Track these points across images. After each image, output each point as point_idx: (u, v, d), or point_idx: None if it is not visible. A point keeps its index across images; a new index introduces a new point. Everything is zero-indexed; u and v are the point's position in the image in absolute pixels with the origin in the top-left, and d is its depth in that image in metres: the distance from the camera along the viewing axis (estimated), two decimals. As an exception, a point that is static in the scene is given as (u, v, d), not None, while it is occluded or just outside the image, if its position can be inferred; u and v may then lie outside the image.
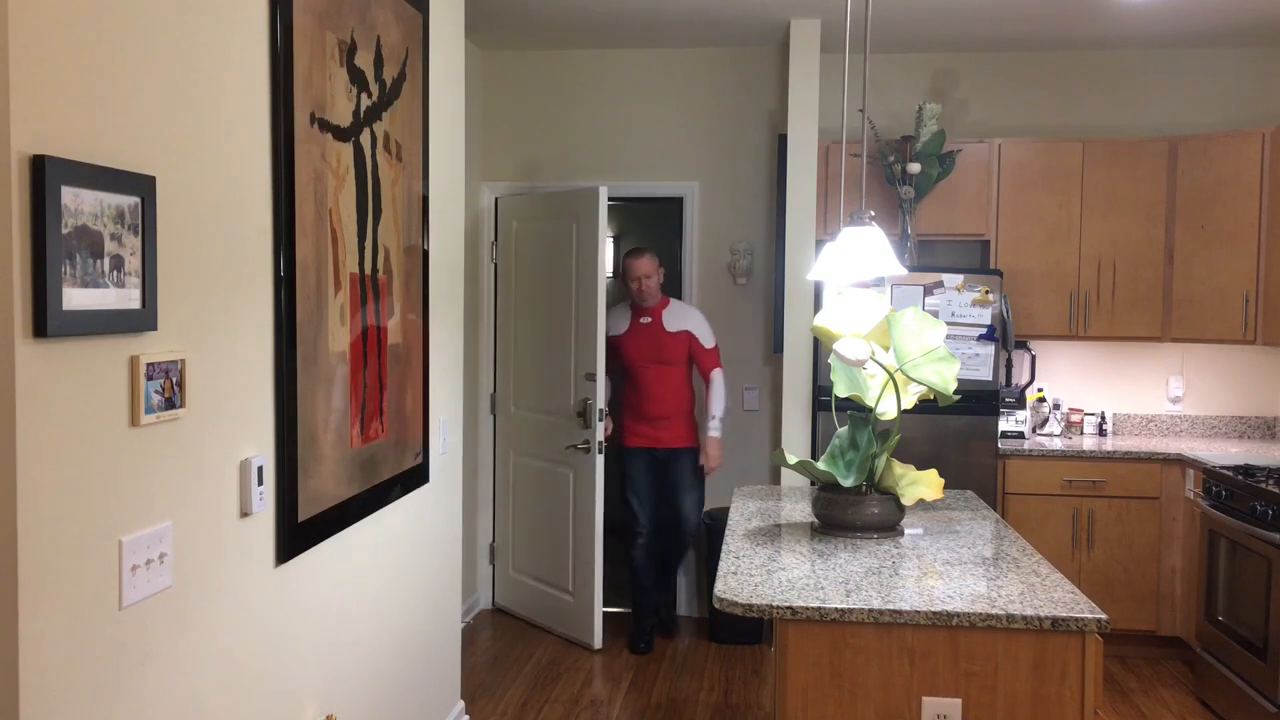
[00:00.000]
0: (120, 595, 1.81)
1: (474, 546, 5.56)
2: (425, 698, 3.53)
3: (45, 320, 1.58)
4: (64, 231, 1.63)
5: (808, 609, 2.32)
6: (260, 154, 2.29)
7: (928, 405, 4.29)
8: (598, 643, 5.01)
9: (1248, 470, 4.18)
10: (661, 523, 5.14)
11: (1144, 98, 5.33)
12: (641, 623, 5.06)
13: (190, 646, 2.05)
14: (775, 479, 5.39)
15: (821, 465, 3.03)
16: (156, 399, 1.89)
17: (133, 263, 1.81)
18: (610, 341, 4.94)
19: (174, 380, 1.94)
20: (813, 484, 3.65)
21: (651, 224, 7.19)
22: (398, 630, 3.24)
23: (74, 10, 1.67)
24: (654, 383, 4.94)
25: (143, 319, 1.84)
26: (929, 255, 5.33)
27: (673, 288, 5.69)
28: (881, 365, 2.99)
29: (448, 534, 3.76)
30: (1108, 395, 5.42)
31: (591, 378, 4.91)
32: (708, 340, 4.96)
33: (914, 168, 4.87)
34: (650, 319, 4.94)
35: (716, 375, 4.96)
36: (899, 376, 2.97)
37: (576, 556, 5.08)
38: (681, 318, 4.95)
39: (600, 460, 4.92)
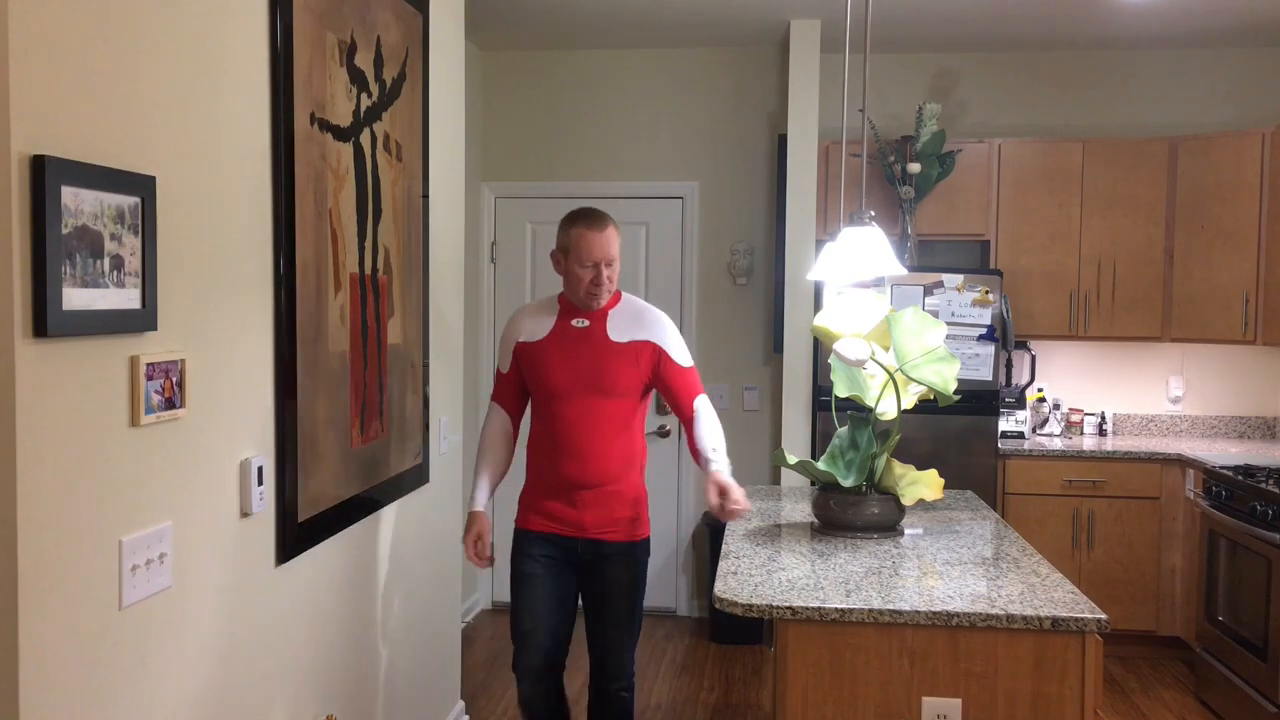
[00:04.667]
0: (120, 595, 1.81)
1: (474, 546, 5.56)
2: (425, 697, 3.53)
3: (45, 320, 1.58)
4: (64, 231, 1.63)
5: (808, 609, 2.32)
6: (260, 154, 2.29)
7: (928, 405, 4.29)
8: (682, 609, 5.58)
9: (1248, 470, 4.18)
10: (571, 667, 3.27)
11: (1144, 98, 5.33)
12: None
13: (190, 646, 2.05)
14: (775, 479, 5.39)
15: (821, 465, 3.03)
16: (156, 399, 1.89)
17: (133, 263, 1.81)
18: (521, 352, 3.06)
19: (174, 380, 1.94)
20: (813, 484, 3.65)
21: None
22: (398, 630, 3.24)
23: (74, 10, 1.67)
24: (582, 423, 2.96)
25: (143, 319, 1.84)
26: (929, 255, 5.33)
27: (673, 288, 5.66)
28: (881, 365, 2.99)
29: (448, 534, 3.76)
30: (1108, 395, 5.42)
31: None
32: (682, 356, 3.06)
33: (914, 168, 4.87)
34: (586, 321, 3.02)
35: (703, 403, 3.05)
36: (899, 376, 2.97)
37: None
38: (637, 322, 3.03)
39: (678, 442, 5.24)
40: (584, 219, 2.96)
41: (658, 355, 3.02)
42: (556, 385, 2.97)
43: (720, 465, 2.94)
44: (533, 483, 3.07)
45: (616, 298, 3.07)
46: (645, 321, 3.05)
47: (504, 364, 3.10)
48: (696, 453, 3.02)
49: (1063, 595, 2.41)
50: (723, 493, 2.80)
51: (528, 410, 3.15)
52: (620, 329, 3.02)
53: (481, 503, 3.07)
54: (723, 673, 4.76)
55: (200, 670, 2.09)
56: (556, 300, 3.09)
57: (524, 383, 3.07)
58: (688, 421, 3.05)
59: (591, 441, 2.95)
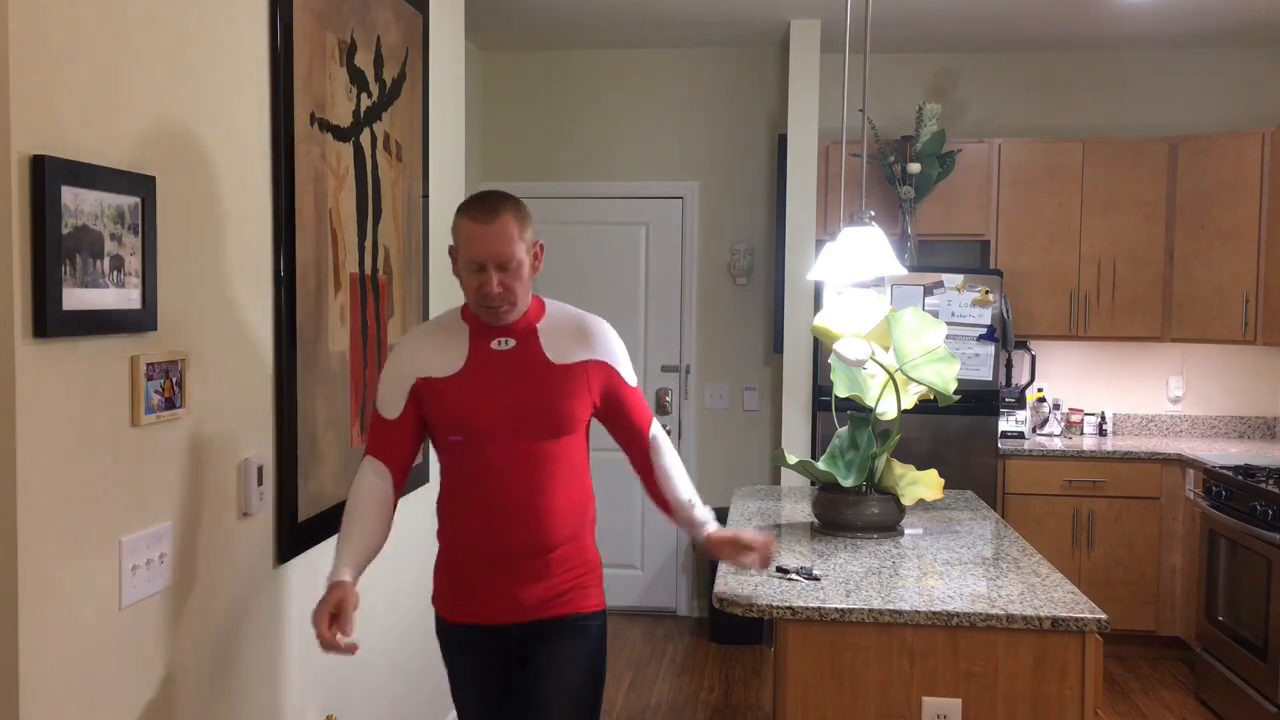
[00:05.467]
0: (120, 595, 1.81)
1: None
2: (425, 697, 3.53)
3: (45, 320, 1.59)
4: (64, 231, 1.63)
5: (808, 609, 2.32)
6: (260, 154, 2.29)
7: (928, 405, 4.31)
8: (682, 609, 5.56)
9: (1248, 470, 4.18)
10: None
11: (1144, 98, 5.33)
12: None
13: (190, 646, 2.05)
14: (775, 479, 5.39)
15: (821, 465, 3.03)
16: (156, 399, 1.89)
17: (133, 263, 1.81)
18: (426, 392, 2.26)
19: (174, 380, 1.94)
20: (813, 484, 3.65)
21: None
22: (398, 629, 3.24)
23: (74, 10, 1.68)
24: (522, 474, 2.23)
25: (143, 319, 1.84)
26: (929, 255, 5.33)
27: (673, 288, 5.66)
28: (881, 365, 2.99)
29: (448, 534, 3.76)
30: (1108, 395, 5.42)
31: (668, 370, 5.49)
32: (631, 374, 2.40)
33: (914, 168, 4.87)
34: (511, 341, 2.28)
35: (660, 433, 2.44)
36: (899, 376, 2.97)
37: (648, 532, 5.54)
38: (578, 337, 2.32)
39: (678, 442, 5.51)
40: (470, 207, 2.19)
41: (609, 377, 2.33)
42: (485, 427, 2.21)
43: (711, 518, 2.42)
44: (450, 557, 2.31)
45: (538, 308, 2.33)
46: (589, 336, 2.33)
47: (391, 408, 2.26)
48: (665, 502, 2.41)
49: (1063, 595, 2.41)
50: (744, 546, 2.33)
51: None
52: (559, 347, 2.28)
53: (349, 572, 2.16)
54: (723, 673, 4.76)
55: (200, 670, 2.09)
56: (461, 317, 2.31)
57: (420, 432, 2.30)
58: (642, 455, 2.40)
59: (537, 496, 2.22)
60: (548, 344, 2.28)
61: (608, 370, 2.33)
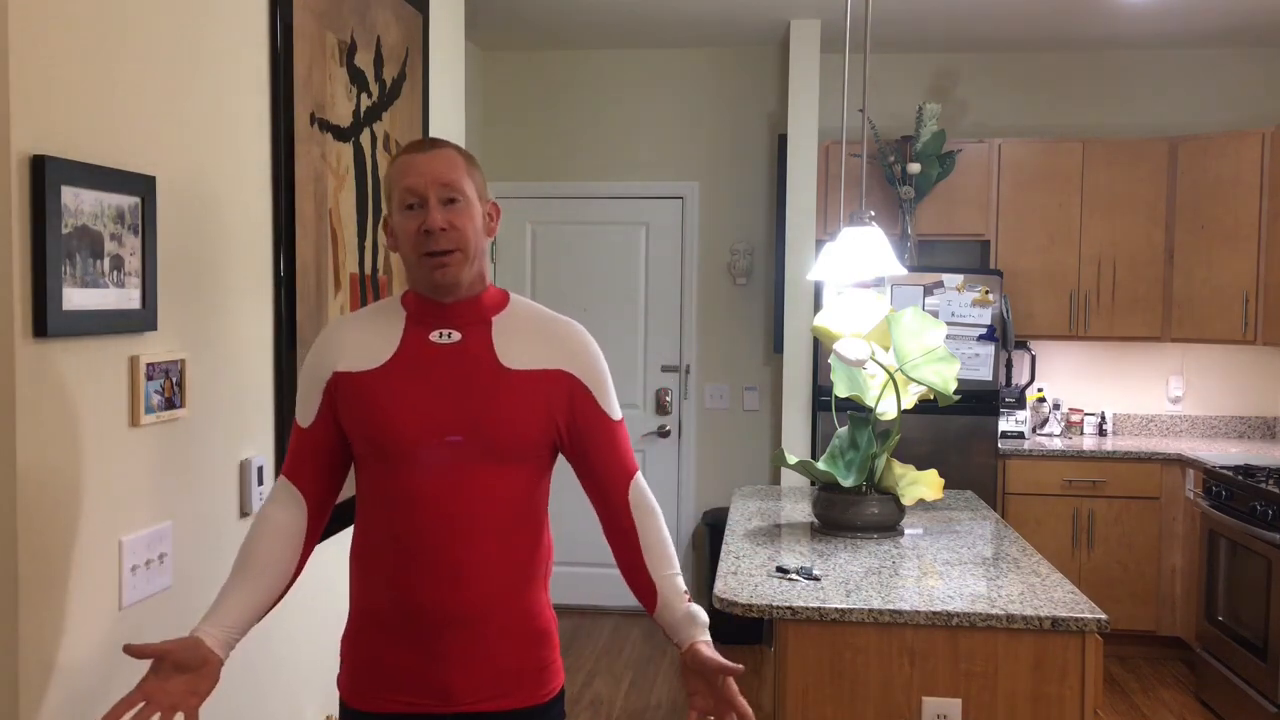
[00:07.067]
0: (120, 595, 1.81)
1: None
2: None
3: (45, 320, 1.58)
4: (64, 231, 1.63)
5: (808, 609, 2.32)
6: (260, 154, 2.29)
7: (928, 405, 4.31)
8: None
9: (1248, 470, 4.19)
10: None
11: (1144, 98, 5.33)
12: None
13: (190, 646, 2.05)
14: (775, 479, 5.39)
15: (821, 465, 3.03)
16: (156, 399, 1.89)
17: (133, 263, 1.81)
18: (341, 389, 1.78)
19: (174, 380, 1.94)
20: (813, 484, 3.66)
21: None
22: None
23: (74, 11, 1.68)
24: (449, 510, 1.72)
25: (143, 319, 1.84)
26: (929, 255, 5.33)
27: (673, 288, 5.67)
28: (881, 365, 2.99)
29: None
30: (1108, 395, 5.42)
31: (668, 370, 5.47)
32: (610, 401, 1.84)
33: (914, 168, 4.88)
34: (455, 334, 1.78)
35: (642, 491, 1.84)
36: (899, 376, 2.97)
37: None
38: (543, 338, 1.81)
39: (678, 442, 5.53)
40: (405, 147, 1.79)
41: (581, 399, 1.80)
42: (404, 443, 1.72)
43: (695, 618, 1.76)
44: (360, 619, 1.81)
45: (499, 298, 1.83)
46: (560, 340, 1.81)
47: (306, 412, 1.82)
48: (646, 586, 1.81)
49: (1063, 595, 2.41)
50: (714, 663, 1.69)
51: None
52: (516, 348, 1.78)
53: (214, 628, 1.67)
54: (723, 673, 4.76)
55: (200, 670, 2.09)
56: (400, 302, 1.83)
57: (340, 445, 1.82)
58: (617, 516, 1.82)
59: (465, 542, 1.71)
60: (501, 342, 1.77)
61: (580, 389, 1.79)
